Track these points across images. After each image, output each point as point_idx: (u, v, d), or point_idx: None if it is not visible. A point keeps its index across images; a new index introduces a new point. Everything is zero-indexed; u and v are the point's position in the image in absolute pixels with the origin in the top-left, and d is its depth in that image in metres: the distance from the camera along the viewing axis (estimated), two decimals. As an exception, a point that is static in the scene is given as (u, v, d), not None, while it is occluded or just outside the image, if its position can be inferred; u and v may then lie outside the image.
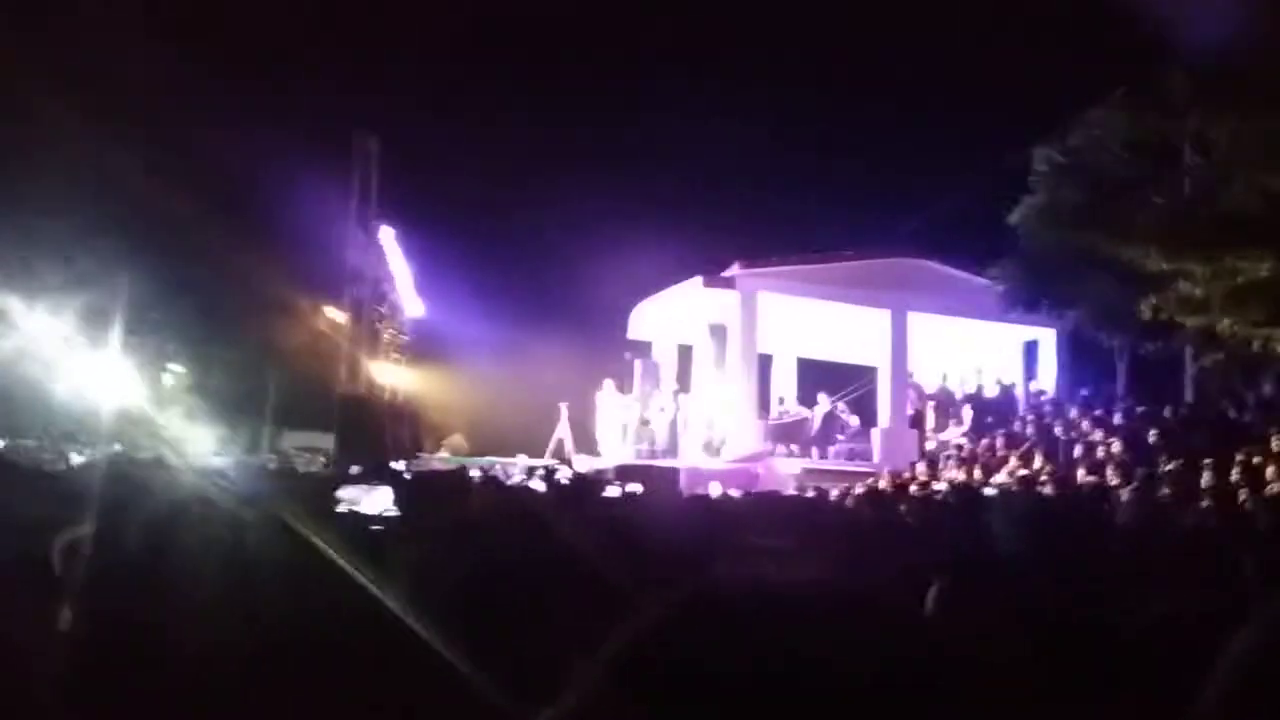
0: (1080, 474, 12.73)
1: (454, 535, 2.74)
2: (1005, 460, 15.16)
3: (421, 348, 25.91)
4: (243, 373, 31.48)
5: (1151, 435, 13.90)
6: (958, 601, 1.55)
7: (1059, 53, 22.30)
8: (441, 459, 19.67)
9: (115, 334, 24.66)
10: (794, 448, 19.82)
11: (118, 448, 16.90)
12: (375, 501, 3.59)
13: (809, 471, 17.83)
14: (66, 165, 24.45)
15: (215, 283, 28.73)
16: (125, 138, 22.78)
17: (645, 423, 20.86)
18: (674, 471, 15.51)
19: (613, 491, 8.65)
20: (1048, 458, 14.31)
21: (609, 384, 21.85)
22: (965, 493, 7.79)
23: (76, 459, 14.05)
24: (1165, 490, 9.71)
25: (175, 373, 30.18)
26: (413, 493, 3.48)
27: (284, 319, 27.41)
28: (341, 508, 3.59)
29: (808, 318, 21.07)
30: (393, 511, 3.54)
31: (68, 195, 25.45)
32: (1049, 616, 1.47)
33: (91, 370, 24.73)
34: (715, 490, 11.10)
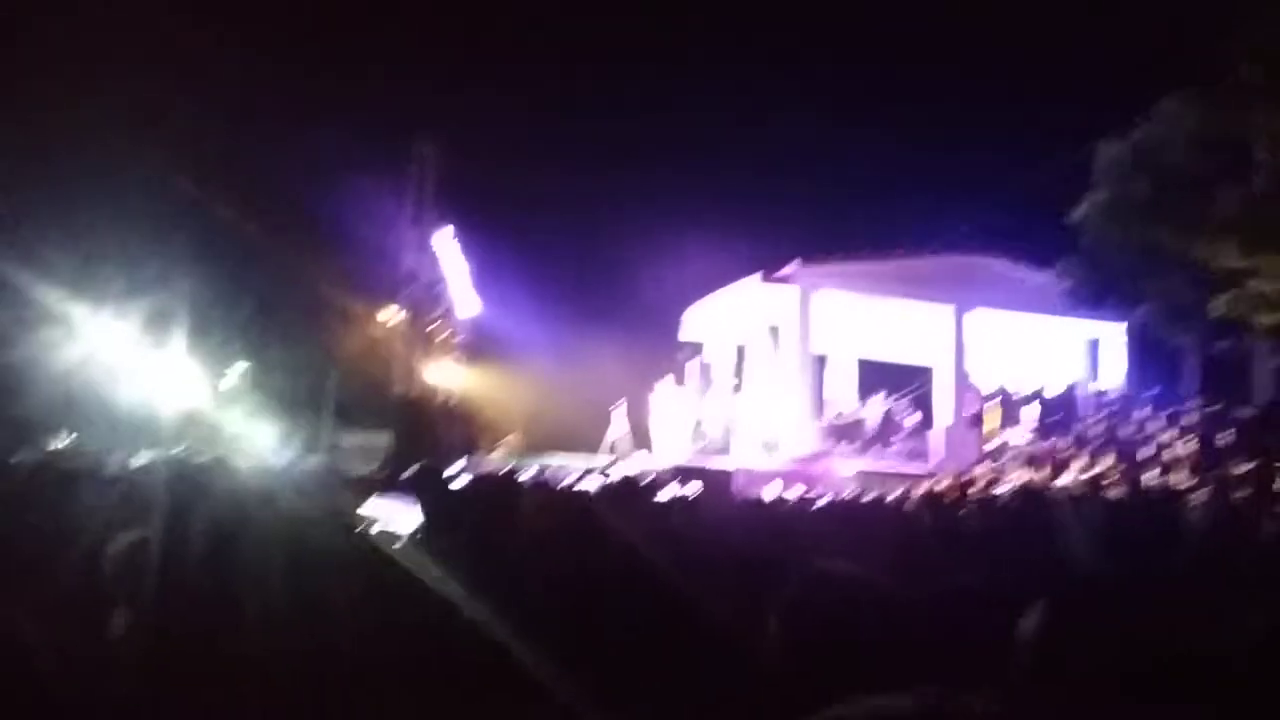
0: (1149, 476, 12.38)
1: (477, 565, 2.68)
2: (1069, 461, 14.80)
3: (477, 347, 26.04)
4: (302, 374, 31.90)
5: (1223, 436, 13.48)
6: (1063, 626, 1.44)
7: (1124, 46, 21.80)
8: (497, 459, 19.73)
9: (177, 336, 25.15)
10: (850, 448, 19.58)
11: (177, 450, 17.22)
12: (406, 518, 3.51)
13: (866, 473, 17.59)
14: (127, 170, 24.94)
15: (274, 285, 29.18)
16: (184, 142, 23.21)
17: (699, 422, 20.76)
18: (728, 473, 15.38)
19: (667, 493, 8.54)
20: (1115, 459, 13.93)
21: (667, 381, 21.78)
22: (1041, 497, 7.56)
23: (139, 460, 14.28)
24: (1240, 493, 9.38)
25: (236, 374, 30.67)
26: (440, 511, 3.37)
27: (342, 320, 27.72)
28: (373, 527, 3.52)
29: (866, 316, 20.82)
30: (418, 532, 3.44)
31: (129, 200, 25.97)
32: (1157, 641, 1.36)
33: (155, 372, 25.23)
34: (771, 492, 10.95)
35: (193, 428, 25.93)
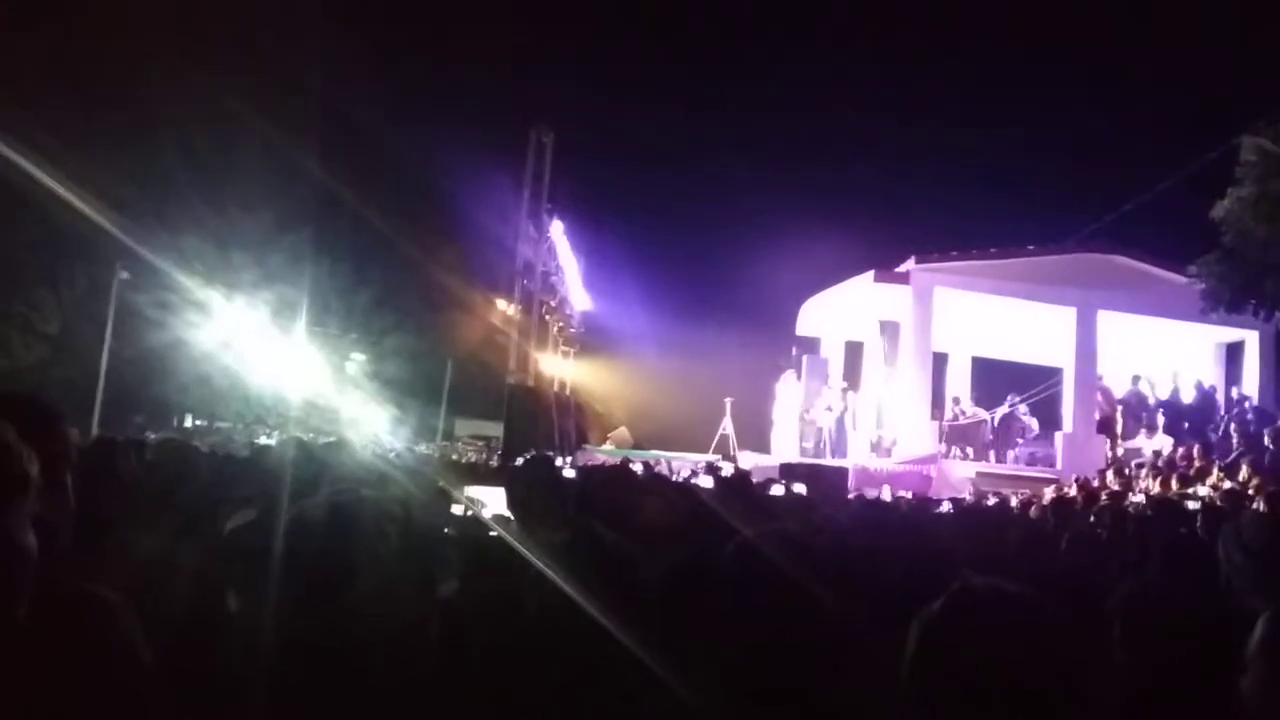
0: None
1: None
2: (1206, 471, 14.02)
3: (589, 340, 26.27)
4: (419, 361, 32.77)
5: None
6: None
7: (1269, 34, 20.60)
8: (606, 451, 19.81)
9: (302, 324, 26.09)
10: (969, 450, 18.99)
11: (298, 433, 17.86)
12: (499, 502, 3.45)
13: (984, 476, 17.04)
14: (256, 165, 25.89)
15: (394, 275, 30.01)
16: (309, 137, 23.95)
17: (813, 420, 20.46)
18: (842, 472, 15.05)
19: (779, 491, 8.38)
20: (1255, 469, 13.13)
21: (780, 378, 21.52)
22: (1178, 508, 7.15)
23: (264, 440, 14.82)
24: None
25: (357, 361, 31.65)
26: (549, 500, 3.29)
27: (458, 311, 28.30)
28: (460, 509, 3.47)
29: (986, 315, 20.14)
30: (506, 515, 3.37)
31: (258, 194, 26.99)
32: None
33: (281, 357, 26.25)
34: (887, 493, 10.68)
35: (315, 411, 26.92)
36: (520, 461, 4.44)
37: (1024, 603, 1.35)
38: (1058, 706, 1.27)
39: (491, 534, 3.08)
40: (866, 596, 2.08)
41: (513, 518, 3.23)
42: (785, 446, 20.52)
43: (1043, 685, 1.26)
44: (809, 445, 20.11)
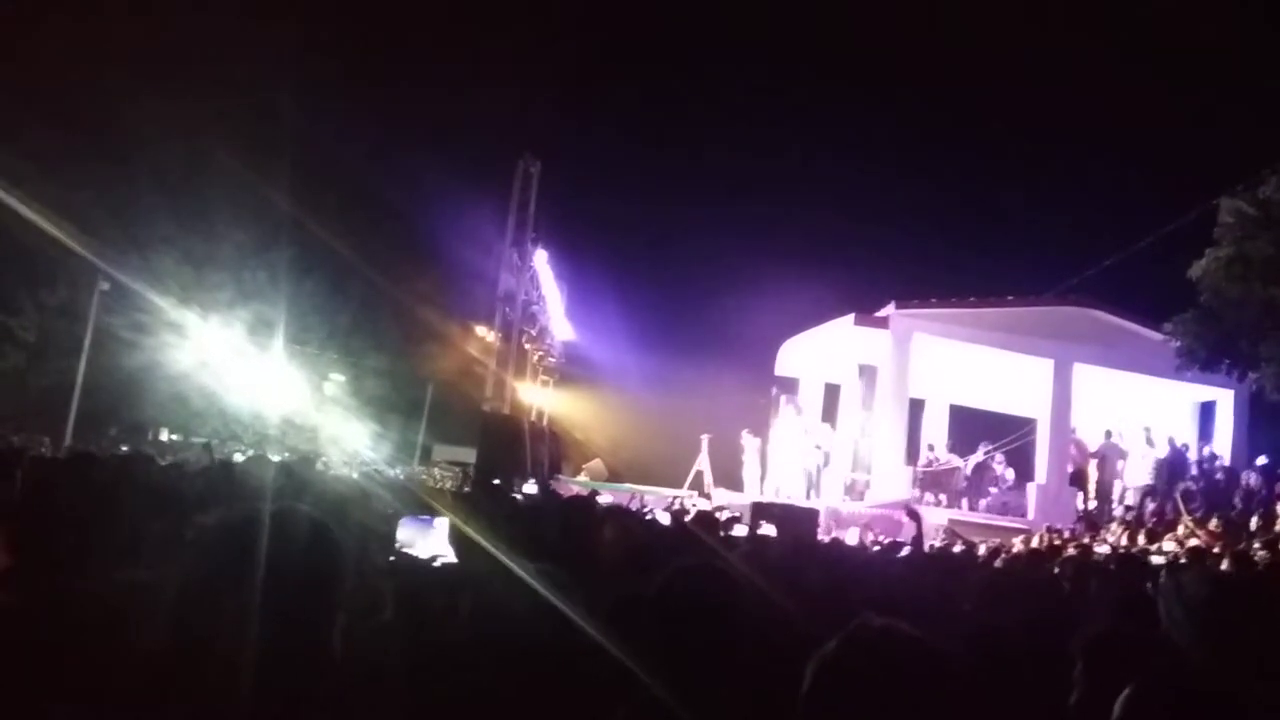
0: (1254, 549, 11.68)
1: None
2: (1174, 525, 14.10)
3: (569, 370, 26.24)
4: (398, 385, 32.67)
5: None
6: None
7: (1251, 100, 20.98)
8: (580, 483, 19.74)
9: (279, 344, 26.01)
10: (942, 497, 19.03)
11: (274, 450, 17.75)
12: (432, 543, 3.41)
13: (956, 523, 17.05)
14: (239, 188, 25.85)
15: (374, 297, 29.98)
16: (291, 160, 23.98)
17: (789, 460, 20.42)
18: (813, 513, 14.99)
19: (745, 530, 8.37)
20: (1223, 527, 13.21)
21: (758, 416, 21.50)
22: (1139, 564, 7.19)
23: (237, 457, 14.71)
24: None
25: (336, 382, 31.51)
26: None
27: (438, 336, 28.26)
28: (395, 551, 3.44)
29: (964, 363, 20.26)
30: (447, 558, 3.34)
31: (238, 216, 26.93)
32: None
33: (258, 374, 26.13)
34: (853, 536, 10.67)
35: (292, 428, 26.77)
36: (479, 490, 4.43)
37: (919, 646, 1.36)
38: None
39: (434, 564, 3.07)
40: (762, 636, 2.10)
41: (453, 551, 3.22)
42: (758, 486, 20.47)
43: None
44: (785, 485, 20.05)
